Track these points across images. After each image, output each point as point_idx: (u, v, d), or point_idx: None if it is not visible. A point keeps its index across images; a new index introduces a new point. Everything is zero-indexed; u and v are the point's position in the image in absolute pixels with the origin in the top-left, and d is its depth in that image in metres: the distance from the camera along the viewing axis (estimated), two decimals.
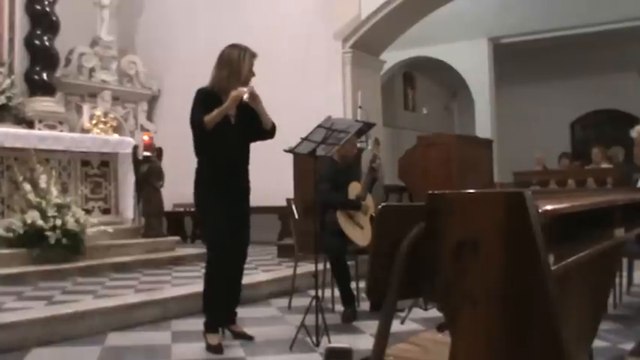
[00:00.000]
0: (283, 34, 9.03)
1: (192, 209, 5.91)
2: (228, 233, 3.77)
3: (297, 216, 4.92)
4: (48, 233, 5.89)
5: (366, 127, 5.80)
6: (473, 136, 11.15)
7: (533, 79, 14.33)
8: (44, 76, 8.17)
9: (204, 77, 3.96)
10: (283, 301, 5.11)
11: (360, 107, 8.58)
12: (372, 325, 4.21)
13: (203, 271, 3.97)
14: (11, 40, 7.97)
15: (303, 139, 3.89)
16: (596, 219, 1.74)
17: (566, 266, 1.42)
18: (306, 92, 8.77)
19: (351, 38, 8.96)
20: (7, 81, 7.65)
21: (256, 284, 5.39)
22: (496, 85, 13.14)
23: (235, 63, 3.83)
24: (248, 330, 4.01)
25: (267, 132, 3.93)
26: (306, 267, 5.28)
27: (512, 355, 1.30)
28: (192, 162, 3.92)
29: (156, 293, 4.95)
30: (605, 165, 9.43)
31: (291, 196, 6.10)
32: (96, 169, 7.14)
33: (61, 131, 7.63)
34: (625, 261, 5.02)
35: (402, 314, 4.32)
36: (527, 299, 1.27)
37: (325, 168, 4.73)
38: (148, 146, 7.46)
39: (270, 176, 6.70)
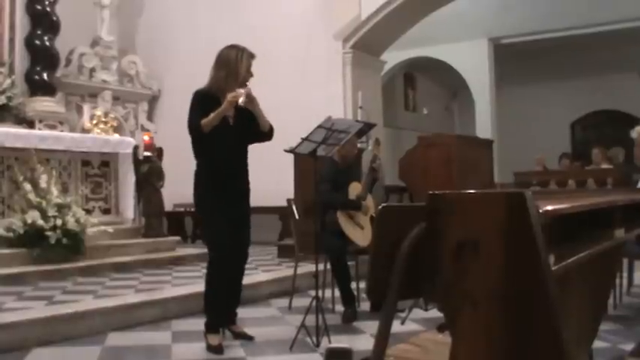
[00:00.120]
0: (283, 35, 9.03)
1: (193, 209, 5.91)
2: (227, 234, 3.76)
3: (297, 216, 4.91)
4: (48, 233, 5.89)
5: (366, 128, 5.79)
6: (473, 136, 11.15)
7: (533, 79, 14.33)
8: (45, 76, 8.16)
9: (204, 77, 3.95)
10: (283, 302, 5.10)
11: (360, 107, 8.58)
12: (372, 326, 4.21)
13: (204, 271, 3.97)
14: (12, 40, 7.97)
15: (304, 140, 3.88)
16: (596, 219, 1.74)
17: (567, 267, 1.42)
18: (306, 92, 8.76)
19: (352, 38, 8.96)
20: (8, 81, 7.64)
21: (256, 284, 5.39)
22: (496, 86, 13.13)
23: (233, 63, 3.82)
24: (248, 330, 4.01)
25: (264, 134, 3.93)
26: (306, 267, 5.28)
27: (513, 356, 1.30)
28: (192, 162, 3.92)
29: (156, 293, 4.95)
30: (605, 165, 9.42)
31: (292, 196, 6.10)
32: (96, 169, 7.14)
33: (62, 131, 7.63)
34: (625, 261, 5.02)
35: (403, 315, 4.32)
36: (527, 299, 1.27)
37: (326, 168, 4.72)
38: (149, 146, 7.47)
39: (271, 176, 6.70)
